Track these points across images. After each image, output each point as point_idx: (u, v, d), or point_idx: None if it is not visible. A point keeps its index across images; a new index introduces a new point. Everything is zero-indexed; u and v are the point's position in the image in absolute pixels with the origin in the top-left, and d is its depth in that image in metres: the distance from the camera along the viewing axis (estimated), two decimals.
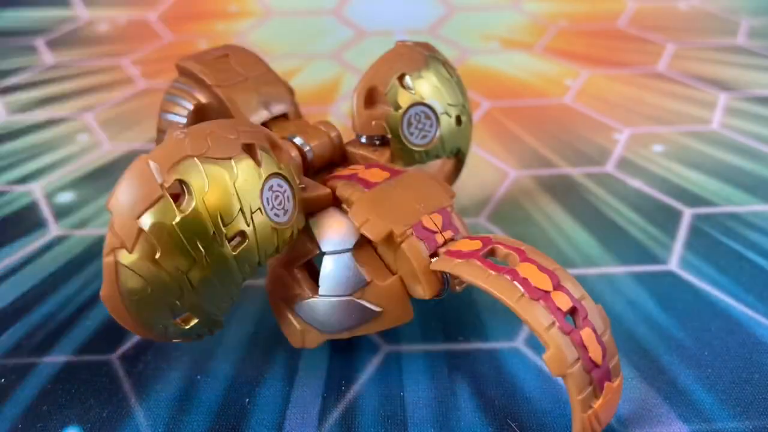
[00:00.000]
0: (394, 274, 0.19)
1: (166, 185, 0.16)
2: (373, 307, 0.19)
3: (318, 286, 0.19)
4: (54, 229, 0.28)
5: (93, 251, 0.27)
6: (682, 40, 0.45)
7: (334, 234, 0.19)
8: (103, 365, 0.21)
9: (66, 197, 0.30)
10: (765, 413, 0.19)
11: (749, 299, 0.23)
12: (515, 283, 0.16)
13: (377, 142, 0.22)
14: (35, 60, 0.43)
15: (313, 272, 0.20)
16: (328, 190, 0.20)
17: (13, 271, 0.26)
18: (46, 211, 0.29)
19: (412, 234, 0.18)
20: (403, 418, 0.19)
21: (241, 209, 0.16)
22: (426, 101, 0.22)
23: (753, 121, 0.35)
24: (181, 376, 0.21)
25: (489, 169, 0.31)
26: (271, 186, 0.17)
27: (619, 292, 0.24)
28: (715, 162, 0.32)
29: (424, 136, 0.22)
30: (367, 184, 0.19)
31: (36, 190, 0.31)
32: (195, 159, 0.16)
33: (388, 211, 0.18)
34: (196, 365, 0.21)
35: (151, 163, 0.16)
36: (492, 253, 0.18)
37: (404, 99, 0.22)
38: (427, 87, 0.22)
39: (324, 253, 0.19)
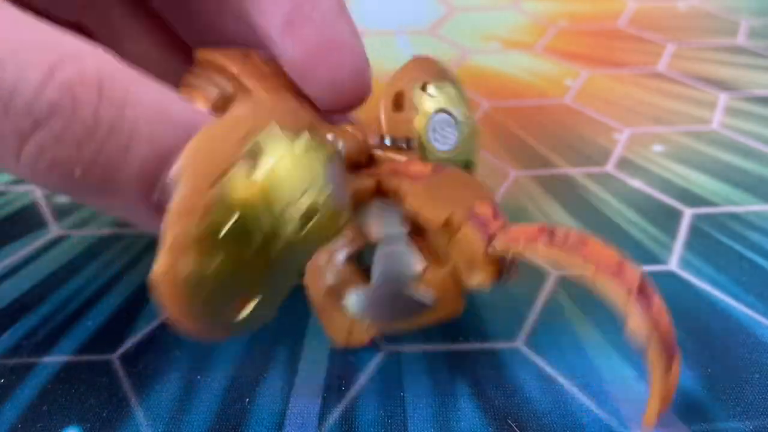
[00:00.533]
0: (444, 264, 0.19)
1: (238, 155, 0.15)
2: (426, 297, 0.19)
3: (369, 277, 0.19)
4: (54, 229, 0.28)
5: (93, 251, 0.27)
6: (682, 40, 0.45)
7: (383, 225, 0.19)
8: (103, 365, 0.21)
9: (66, 197, 0.30)
10: (765, 413, 0.19)
11: (749, 299, 0.23)
12: (587, 256, 0.16)
13: (403, 145, 0.21)
14: None
15: (360, 264, 0.20)
16: (373, 182, 0.19)
17: (13, 271, 0.26)
18: (46, 211, 0.29)
19: (469, 219, 0.18)
20: (403, 418, 0.19)
21: (309, 187, 0.15)
22: (449, 109, 0.22)
23: (753, 121, 0.35)
24: (181, 376, 0.21)
25: (489, 169, 0.31)
26: (332, 167, 0.16)
27: None
28: (715, 162, 0.32)
29: (446, 143, 0.22)
30: (414, 177, 0.19)
31: (36, 189, 0.31)
32: (267, 130, 0.15)
33: (441, 199, 0.18)
34: (196, 365, 0.21)
35: (221, 132, 0.15)
36: (552, 233, 0.18)
37: (429, 105, 0.22)
38: (447, 96, 0.22)
39: (374, 244, 0.19)
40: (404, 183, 0.19)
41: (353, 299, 0.19)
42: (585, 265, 0.16)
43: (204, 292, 0.15)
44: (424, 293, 0.19)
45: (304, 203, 0.15)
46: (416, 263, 0.19)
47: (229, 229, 0.14)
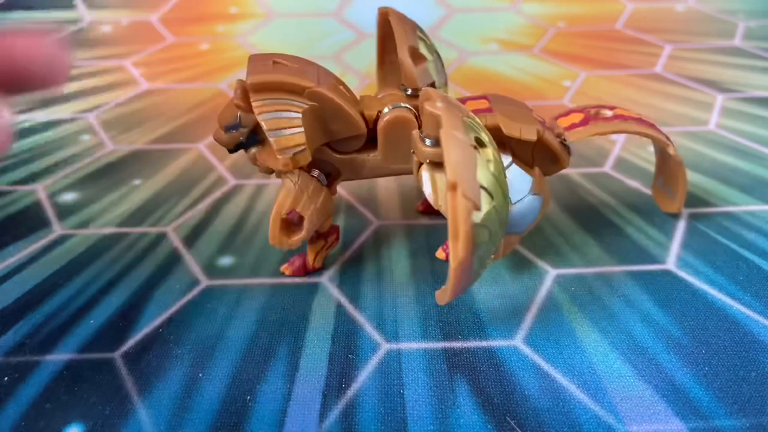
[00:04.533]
0: (533, 167, 0.23)
1: (471, 143, 0.19)
2: (541, 196, 0.23)
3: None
4: (57, 229, 0.28)
5: (96, 250, 0.27)
6: (679, 42, 0.45)
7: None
8: (105, 363, 0.21)
9: (69, 197, 0.30)
10: (762, 411, 0.20)
11: (746, 298, 0.24)
12: (631, 117, 0.25)
13: (416, 93, 0.24)
14: None
15: None
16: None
17: (17, 270, 0.26)
18: (50, 211, 0.29)
19: (544, 128, 0.23)
20: (402, 415, 0.20)
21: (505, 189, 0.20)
22: (436, 50, 0.26)
23: (750, 122, 0.35)
24: (182, 374, 0.21)
25: None
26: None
27: (616, 291, 0.24)
28: (712, 162, 0.32)
29: (441, 76, 0.26)
30: (486, 111, 0.23)
31: (39, 190, 0.31)
32: (469, 120, 0.20)
33: (519, 120, 0.23)
34: (197, 363, 0.21)
35: (454, 127, 0.19)
36: (597, 113, 0.25)
37: (428, 50, 0.25)
38: (425, 43, 0.25)
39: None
40: (488, 118, 0.23)
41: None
42: (636, 125, 0.25)
43: (483, 260, 0.19)
44: (539, 193, 0.23)
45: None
46: (528, 173, 0.23)
47: (494, 202, 0.19)
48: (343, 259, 0.26)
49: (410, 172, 0.23)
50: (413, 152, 0.21)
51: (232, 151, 0.23)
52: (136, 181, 0.31)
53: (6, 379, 0.21)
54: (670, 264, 0.25)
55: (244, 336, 0.22)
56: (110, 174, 0.32)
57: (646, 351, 0.22)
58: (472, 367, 0.21)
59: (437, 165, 0.21)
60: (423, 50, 0.25)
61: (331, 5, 0.52)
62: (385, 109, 0.23)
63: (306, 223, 0.23)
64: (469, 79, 0.40)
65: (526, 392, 0.20)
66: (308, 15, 0.51)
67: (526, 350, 0.22)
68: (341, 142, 0.23)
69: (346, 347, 0.22)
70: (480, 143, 0.19)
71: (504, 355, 0.22)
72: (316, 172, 0.23)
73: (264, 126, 0.21)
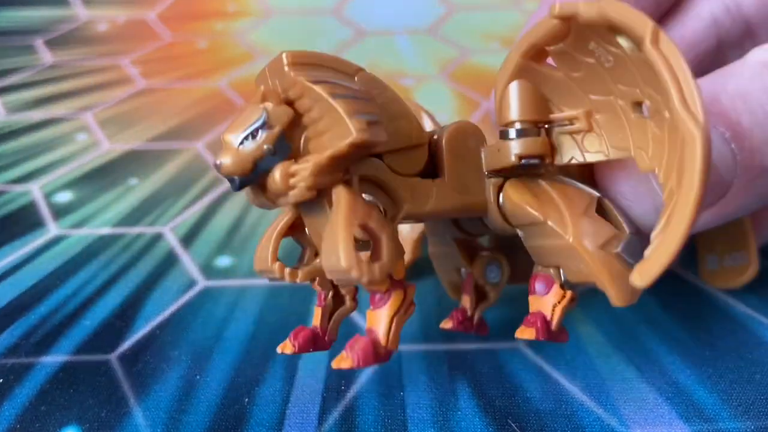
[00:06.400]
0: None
1: None
2: None
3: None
4: (52, 229, 0.28)
5: (92, 251, 0.26)
6: None
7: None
8: (101, 365, 0.21)
9: (64, 197, 0.30)
10: (766, 413, 0.19)
11: (750, 299, 0.23)
12: None
13: None
14: (34, 59, 0.43)
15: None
16: None
17: (12, 270, 0.25)
18: (45, 211, 0.29)
19: None
20: (402, 418, 0.19)
21: None
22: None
23: None
24: (180, 376, 0.21)
25: None
26: None
27: None
28: None
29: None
30: None
31: (34, 189, 0.30)
32: None
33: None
34: (195, 365, 0.21)
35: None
36: None
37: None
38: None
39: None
40: None
41: (629, 247, 0.17)
42: None
43: None
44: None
45: None
46: None
47: None
48: None
49: (479, 211, 0.18)
50: (488, 173, 0.18)
51: (245, 182, 0.15)
52: (133, 181, 0.31)
53: (1, 381, 0.21)
54: (674, 265, 0.25)
55: (242, 337, 0.22)
56: (106, 173, 0.32)
57: (650, 353, 0.21)
58: (474, 369, 0.21)
59: (528, 174, 0.17)
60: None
61: (330, 2, 0.52)
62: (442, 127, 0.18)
63: (386, 248, 0.15)
64: (470, 78, 0.40)
65: (528, 394, 0.20)
66: (307, 12, 0.50)
67: (528, 352, 0.21)
68: (398, 157, 0.17)
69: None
70: None
71: (506, 356, 0.21)
72: (369, 198, 0.16)
73: (321, 90, 0.15)
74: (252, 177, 0.15)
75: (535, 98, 0.17)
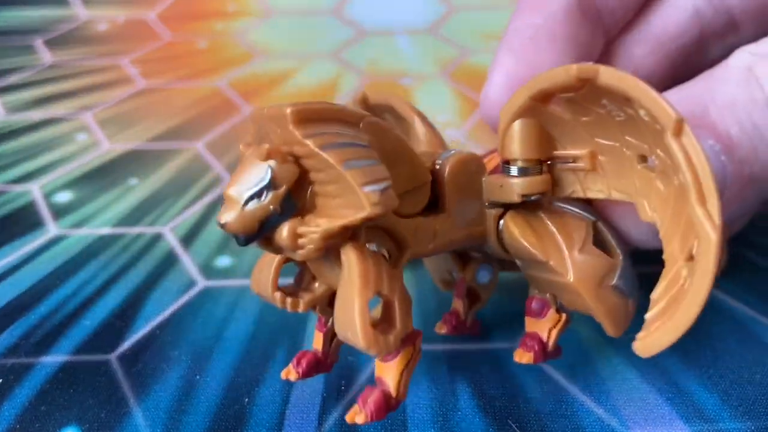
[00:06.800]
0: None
1: None
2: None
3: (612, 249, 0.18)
4: (52, 229, 0.28)
5: (91, 251, 0.26)
6: None
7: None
8: (101, 365, 0.21)
9: (64, 197, 0.30)
10: (767, 413, 0.19)
11: (750, 299, 0.23)
12: None
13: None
14: (34, 59, 0.43)
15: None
16: None
17: (12, 270, 0.25)
18: (45, 211, 0.29)
19: None
20: (403, 418, 0.19)
21: None
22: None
23: None
24: (179, 376, 0.21)
25: None
26: None
27: None
28: None
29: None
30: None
31: (34, 189, 0.30)
32: None
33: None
34: (194, 365, 0.21)
35: None
36: None
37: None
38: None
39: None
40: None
41: (623, 275, 0.18)
42: None
43: None
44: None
45: None
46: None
47: None
48: None
49: (478, 240, 0.19)
50: (488, 204, 0.18)
51: (250, 240, 0.15)
52: (133, 181, 0.31)
53: (1, 381, 0.21)
54: None
55: (242, 338, 0.22)
56: (106, 173, 0.32)
57: None
58: (474, 370, 0.21)
59: (527, 206, 0.17)
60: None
61: (330, 2, 0.52)
62: (442, 155, 0.18)
63: (398, 312, 0.16)
64: (471, 78, 0.40)
65: (528, 395, 0.20)
66: (307, 12, 0.50)
67: None
68: (402, 200, 0.16)
69: (346, 349, 0.22)
70: None
71: (506, 357, 0.21)
72: (374, 247, 0.16)
73: (330, 158, 0.14)
74: (257, 235, 0.15)
75: (539, 137, 0.17)
